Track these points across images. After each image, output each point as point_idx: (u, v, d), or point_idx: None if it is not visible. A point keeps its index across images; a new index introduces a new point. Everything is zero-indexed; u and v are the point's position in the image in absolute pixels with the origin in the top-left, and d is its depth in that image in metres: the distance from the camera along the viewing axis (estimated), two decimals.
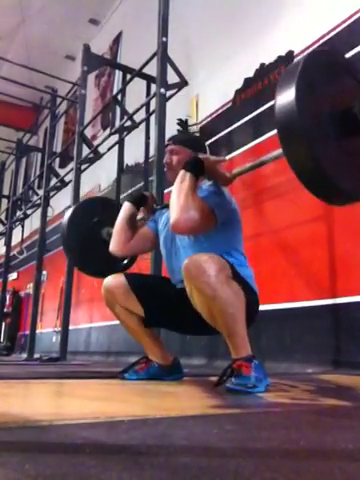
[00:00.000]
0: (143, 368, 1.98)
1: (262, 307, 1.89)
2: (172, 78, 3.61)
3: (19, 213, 7.60)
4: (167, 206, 1.93)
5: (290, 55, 3.53)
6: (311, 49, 3.38)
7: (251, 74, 3.93)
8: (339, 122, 1.31)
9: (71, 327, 4.61)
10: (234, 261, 1.75)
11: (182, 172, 1.76)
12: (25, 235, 8.04)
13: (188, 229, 1.73)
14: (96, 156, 4.77)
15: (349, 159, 1.36)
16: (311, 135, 1.24)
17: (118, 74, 6.18)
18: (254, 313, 1.80)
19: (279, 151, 1.54)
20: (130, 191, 5.49)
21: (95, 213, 2.65)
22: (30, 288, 7.82)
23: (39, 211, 6.21)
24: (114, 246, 2.12)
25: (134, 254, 2.63)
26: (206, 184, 1.89)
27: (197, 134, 4.47)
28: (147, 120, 4.40)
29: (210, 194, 1.80)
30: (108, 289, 1.97)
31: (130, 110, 4.25)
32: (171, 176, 1.96)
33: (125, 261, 2.67)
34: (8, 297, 8.59)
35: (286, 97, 1.23)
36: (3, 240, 8.21)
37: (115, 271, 2.51)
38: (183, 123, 4.51)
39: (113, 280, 1.98)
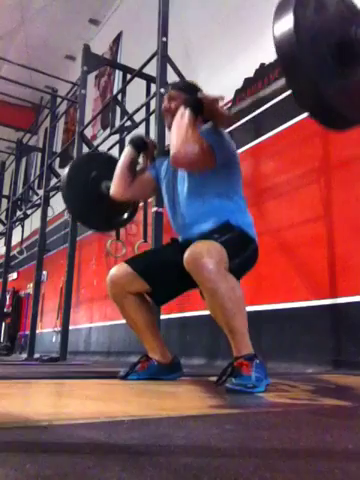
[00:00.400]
0: (143, 367, 1.98)
1: (262, 307, 1.89)
2: (172, 78, 3.61)
3: (19, 213, 7.60)
4: (167, 153, 1.95)
5: None
6: None
7: (251, 74, 3.93)
8: (338, 49, 1.32)
9: (71, 327, 4.61)
10: (233, 207, 1.81)
11: (181, 109, 1.79)
12: (25, 235, 8.04)
13: (188, 161, 1.75)
14: None
15: (349, 85, 1.37)
16: (312, 64, 1.25)
17: (118, 74, 6.18)
18: (254, 259, 1.87)
19: (280, 83, 1.57)
20: None
21: (93, 168, 2.65)
22: (30, 288, 7.82)
23: (39, 211, 6.21)
24: (114, 189, 2.14)
25: (134, 199, 2.60)
26: (205, 126, 1.90)
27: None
28: (147, 120, 4.40)
29: (209, 134, 1.82)
30: (114, 281, 1.95)
31: (130, 110, 4.25)
32: (170, 122, 1.95)
33: (125, 215, 2.67)
34: (8, 297, 8.59)
35: (284, 26, 1.26)
36: (3, 240, 8.22)
37: (116, 225, 2.58)
38: None
39: (117, 271, 1.95)
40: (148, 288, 1.94)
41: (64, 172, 2.72)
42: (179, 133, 1.74)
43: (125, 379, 1.97)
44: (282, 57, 1.29)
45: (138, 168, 2.23)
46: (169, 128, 1.96)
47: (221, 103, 1.87)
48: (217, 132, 1.87)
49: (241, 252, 1.77)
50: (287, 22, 1.25)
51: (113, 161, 2.69)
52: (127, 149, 2.19)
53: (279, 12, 1.33)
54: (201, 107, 1.80)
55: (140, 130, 4.48)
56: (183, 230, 1.97)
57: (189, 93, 2.00)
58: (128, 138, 4.65)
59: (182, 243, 1.92)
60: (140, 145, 2.20)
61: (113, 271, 1.97)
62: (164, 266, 1.95)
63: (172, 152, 1.73)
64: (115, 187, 2.13)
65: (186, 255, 1.62)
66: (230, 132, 4.15)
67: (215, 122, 1.88)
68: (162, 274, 1.95)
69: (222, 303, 1.58)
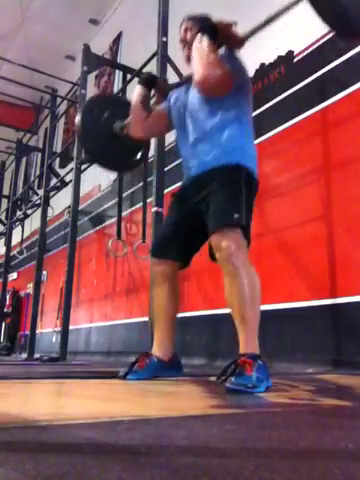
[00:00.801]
0: (142, 365, 1.96)
1: (262, 307, 1.89)
2: (172, 78, 3.60)
3: (19, 213, 7.61)
4: (178, 85, 2.02)
5: (290, 55, 3.53)
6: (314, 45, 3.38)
7: (251, 74, 3.93)
8: None
9: (71, 327, 4.61)
10: (243, 133, 1.85)
11: (199, 35, 1.84)
12: (25, 235, 8.04)
13: (214, 85, 1.79)
14: None
15: None
16: None
17: (118, 74, 6.18)
18: (255, 195, 1.92)
19: None
20: (130, 191, 5.49)
21: (105, 108, 2.63)
22: (30, 288, 7.82)
23: (39, 211, 6.21)
24: (131, 128, 2.21)
25: (152, 135, 2.67)
26: (221, 51, 1.92)
27: None
28: None
29: (225, 57, 1.86)
30: (156, 272, 2.07)
31: None
32: (187, 53, 2.00)
33: (139, 155, 2.73)
34: (8, 297, 8.59)
35: None
36: (3, 240, 8.22)
37: (131, 165, 2.71)
38: None
39: (152, 264, 2.06)
40: (177, 263, 2.04)
41: (77, 117, 2.73)
42: (201, 59, 1.77)
43: (124, 379, 1.96)
44: None
45: (152, 106, 2.26)
46: (187, 60, 2.01)
47: (234, 27, 1.91)
48: (233, 56, 1.91)
49: (249, 200, 1.83)
50: None
51: (124, 101, 2.78)
52: (137, 87, 2.21)
53: None
54: (217, 32, 1.84)
55: None
56: (192, 157, 1.95)
57: (203, 22, 2.06)
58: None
59: (188, 182, 1.97)
60: (149, 82, 2.22)
61: (153, 268, 2.08)
62: (176, 234, 2.01)
63: (197, 78, 1.75)
64: (132, 126, 2.20)
65: (213, 245, 1.76)
66: None
67: (230, 45, 1.92)
68: (178, 243, 2.01)
69: (240, 287, 1.65)
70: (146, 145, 2.85)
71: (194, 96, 1.94)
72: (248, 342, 1.62)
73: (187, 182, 2.00)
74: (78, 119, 2.67)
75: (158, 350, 1.99)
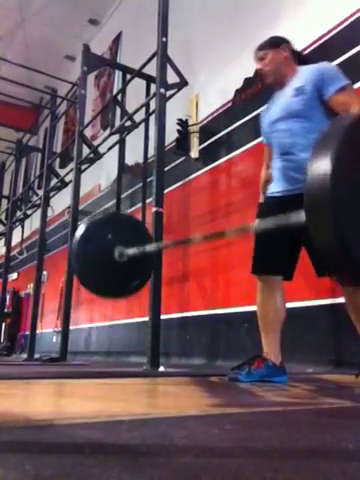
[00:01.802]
0: (258, 366, 1.93)
1: None
2: (172, 78, 3.61)
3: (19, 213, 7.60)
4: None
5: None
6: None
7: (251, 74, 3.93)
8: None
9: (71, 327, 4.61)
10: None
11: (347, 85, 1.92)
12: (25, 235, 8.04)
13: None
14: (96, 156, 4.77)
15: None
16: (342, 214, 1.10)
17: (118, 74, 6.18)
18: None
19: (301, 216, 1.37)
20: (130, 191, 5.49)
21: (108, 230, 2.47)
22: (30, 288, 7.82)
23: (39, 211, 6.21)
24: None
25: None
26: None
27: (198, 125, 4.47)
28: (147, 120, 4.40)
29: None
30: (264, 283, 2.06)
31: (130, 110, 4.25)
32: (267, 80, 2.12)
33: (136, 282, 2.50)
34: (8, 297, 8.59)
35: (321, 165, 1.09)
36: (3, 240, 8.22)
37: (126, 292, 2.43)
38: (183, 123, 4.51)
39: (263, 279, 2.05)
40: (281, 277, 2.05)
41: (78, 231, 2.49)
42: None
43: (236, 377, 1.90)
44: (309, 196, 1.13)
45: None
46: (271, 86, 2.15)
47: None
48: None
49: None
50: (325, 165, 1.08)
51: (132, 224, 2.64)
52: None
53: (320, 145, 1.15)
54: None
55: (140, 130, 4.49)
56: (294, 174, 1.92)
57: (273, 45, 2.12)
58: (127, 138, 4.66)
59: (286, 197, 1.93)
60: None
61: (260, 285, 2.07)
62: (279, 249, 1.99)
63: None
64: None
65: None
66: (230, 132, 4.15)
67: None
68: (278, 258, 2.00)
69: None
70: (147, 272, 2.65)
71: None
72: None
73: (286, 192, 1.97)
74: (77, 237, 2.44)
75: (273, 356, 1.97)
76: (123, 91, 4.73)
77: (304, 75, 2.00)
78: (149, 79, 4.38)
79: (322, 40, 3.31)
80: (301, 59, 2.17)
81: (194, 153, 4.46)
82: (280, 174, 2.01)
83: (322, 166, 1.08)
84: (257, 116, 3.81)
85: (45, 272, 6.87)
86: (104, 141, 4.65)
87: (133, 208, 5.48)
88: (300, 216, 1.27)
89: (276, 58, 2.09)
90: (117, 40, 6.96)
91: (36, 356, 5.23)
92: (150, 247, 2.26)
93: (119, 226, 2.53)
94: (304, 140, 1.89)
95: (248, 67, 3.97)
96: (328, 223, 1.08)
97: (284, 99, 2.03)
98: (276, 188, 2.03)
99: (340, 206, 1.08)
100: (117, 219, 2.69)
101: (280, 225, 1.57)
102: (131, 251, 2.31)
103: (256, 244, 2.07)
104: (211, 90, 4.46)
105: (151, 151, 4.31)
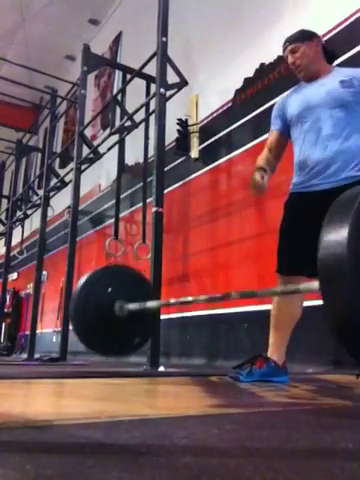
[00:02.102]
0: (260, 366, 1.93)
1: (262, 307, 1.90)
2: (172, 78, 3.61)
3: (19, 213, 7.60)
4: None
5: None
6: None
7: (251, 74, 3.93)
8: None
9: (71, 327, 4.60)
10: None
11: None
12: (25, 235, 8.04)
13: None
14: (96, 156, 4.77)
15: None
16: (358, 286, 1.06)
17: (118, 74, 6.18)
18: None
19: (315, 286, 1.31)
20: (130, 191, 5.49)
21: (109, 283, 2.37)
22: (30, 288, 7.82)
23: (39, 211, 6.21)
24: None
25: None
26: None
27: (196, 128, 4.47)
28: (147, 120, 4.40)
29: None
30: (284, 283, 1.97)
31: (130, 110, 4.25)
32: (303, 73, 2.06)
33: (138, 338, 2.41)
34: (8, 297, 8.59)
35: (337, 235, 1.06)
36: (3, 240, 8.22)
37: (126, 350, 2.35)
38: (183, 123, 4.51)
39: (286, 279, 1.97)
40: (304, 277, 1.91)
41: (79, 284, 2.42)
42: None
43: (237, 377, 1.89)
44: (324, 268, 1.10)
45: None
46: (305, 79, 2.08)
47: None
48: None
49: None
50: (341, 234, 1.05)
51: (134, 278, 2.50)
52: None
53: (335, 212, 1.12)
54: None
55: (140, 130, 4.49)
56: (324, 169, 1.90)
57: (304, 38, 2.08)
58: (127, 138, 4.65)
59: (316, 192, 1.89)
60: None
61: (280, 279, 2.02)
62: (303, 249, 1.82)
63: None
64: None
65: None
66: (230, 132, 4.15)
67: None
68: (306, 258, 1.83)
69: None
70: (147, 331, 2.54)
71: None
72: None
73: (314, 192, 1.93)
74: (76, 291, 2.40)
75: (274, 355, 1.97)
76: (123, 91, 4.73)
77: (346, 72, 2.00)
78: (149, 79, 4.38)
79: (325, 38, 3.31)
80: (330, 56, 2.16)
81: (194, 153, 4.46)
82: (307, 161, 1.95)
83: (338, 235, 1.05)
84: (257, 116, 3.83)
85: (45, 272, 6.88)
86: (104, 141, 4.65)
87: (133, 208, 5.48)
88: (313, 286, 1.25)
89: (308, 52, 2.06)
90: (117, 40, 6.96)
91: (36, 356, 5.23)
92: (151, 304, 2.16)
93: (120, 279, 2.41)
94: (344, 130, 1.88)
95: (248, 67, 3.98)
96: (342, 294, 1.06)
97: (330, 87, 1.96)
98: (302, 179, 1.97)
99: (356, 278, 1.04)
100: (118, 272, 2.55)
101: (298, 291, 1.52)
102: (132, 306, 2.22)
103: (282, 241, 2.01)
104: (211, 90, 4.46)
105: (151, 151, 4.31)
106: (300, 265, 1.88)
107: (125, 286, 2.35)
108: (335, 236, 1.06)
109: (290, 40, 2.10)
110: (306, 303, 3.03)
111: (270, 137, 2.20)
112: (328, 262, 1.08)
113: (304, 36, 2.09)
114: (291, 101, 2.10)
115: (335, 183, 1.83)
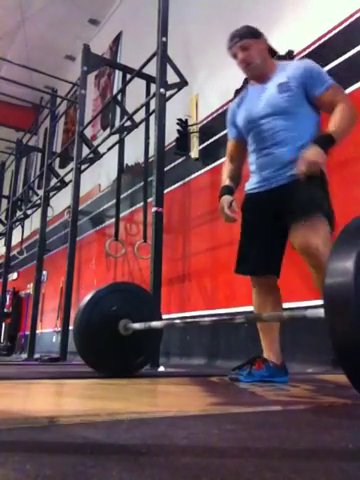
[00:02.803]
0: (259, 367, 1.92)
1: None
2: (172, 78, 3.61)
3: (19, 213, 7.60)
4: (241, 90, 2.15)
5: (290, 55, 3.53)
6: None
7: None
8: None
9: (71, 327, 4.61)
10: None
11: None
12: (25, 235, 8.04)
13: None
14: (96, 156, 4.77)
15: None
16: None
17: (118, 74, 6.18)
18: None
19: (320, 313, 1.29)
20: (130, 191, 5.49)
21: (115, 301, 2.34)
22: (30, 288, 7.82)
23: (39, 211, 6.21)
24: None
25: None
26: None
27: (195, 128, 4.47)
28: (147, 120, 4.40)
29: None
30: (258, 285, 2.03)
31: (130, 110, 4.25)
32: (254, 72, 2.01)
33: (142, 357, 2.38)
34: (8, 297, 8.59)
35: (343, 263, 1.06)
36: (3, 240, 8.22)
37: (130, 369, 2.29)
38: (183, 123, 4.51)
39: (257, 281, 2.03)
40: (270, 275, 2.00)
41: (83, 300, 2.38)
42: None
43: (237, 378, 1.89)
44: (330, 300, 1.11)
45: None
46: (254, 78, 2.06)
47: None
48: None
49: (328, 193, 1.88)
50: (347, 267, 1.05)
51: (138, 295, 2.48)
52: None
53: (340, 245, 1.13)
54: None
55: (140, 130, 4.49)
56: (274, 173, 1.92)
57: (255, 35, 2.01)
58: (127, 138, 4.65)
59: (266, 191, 1.93)
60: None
61: (254, 289, 2.05)
62: (263, 246, 1.96)
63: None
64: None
65: (299, 244, 1.79)
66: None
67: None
68: (266, 254, 1.96)
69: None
70: (152, 349, 2.55)
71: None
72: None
73: (264, 186, 1.97)
74: (81, 307, 2.34)
75: (271, 356, 1.96)
76: (123, 91, 4.73)
77: (287, 71, 1.95)
78: (149, 79, 4.39)
79: (322, 40, 3.31)
80: (273, 54, 2.09)
81: (194, 153, 4.46)
82: (258, 169, 1.98)
83: (344, 265, 1.05)
84: None
85: (45, 272, 6.88)
86: (104, 141, 4.65)
87: (133, 208, 5.49)
88: (318, 313, 1.25)
89: (260, 49, 1.99)
90: (117, 40, 6.96)
91: (36, 356, 5.23)
92: (156, 324, 2.11)
93: (125, 296, 2.39)
94: (285, 137, 1.89)
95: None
96: (347, 324, 1.05)
97: (268, 95, 1.95)
98: (254, 183, 2.01)
99: None
100: (123, 289, 2.50)
101: (305, 318, 1.54)
102: (137, 326, 2.19)
103: (243, 242, 2.04)
104: (211, 90, 4.46)
105: (151, 151, 4.31)
106: (268, 265, 1.97)
107: (129, 303, 2.33)
108: (341, 265, 1.07)
109: (240, 35, 1.99)
110: (306, 303, 3.04)
111: (229, 145, 2.19)
112: (333, 291, 1.08)
113: (254, 33, 2.01)
114: (238, 110, 2.10)
115: (285, 180, 1.87)
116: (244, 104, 2.07)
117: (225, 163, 2.23)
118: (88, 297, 2.35)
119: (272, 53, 2.08)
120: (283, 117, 1.90)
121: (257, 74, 2.02)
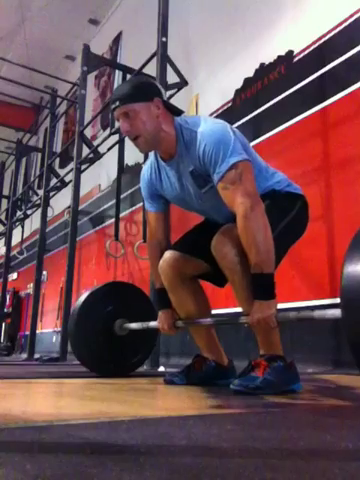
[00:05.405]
0: (198, 367, 1.82)
1: None
2: (172, 78, 3.61)
3: (19, 213, 7.60)
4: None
5: (290, 55, 3.53)
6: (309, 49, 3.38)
7: (251, 74, 3.93)
8: None
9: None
10: (274, 185, 1.69)
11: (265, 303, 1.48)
12: (25, 235, 8.04)
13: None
14: (96, 156, 4.77)
15: None
16: None
17: (118, 74, 6.17)
18: (305, 217, 1.75)
19: (337, 313, 1.27)
20: (130, 191, 5.49)
21: (110, 301, 2.30)
22: (30, 288, 7.82)
23: (39, 211, 6.21)
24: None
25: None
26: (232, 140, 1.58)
27: None
28: None
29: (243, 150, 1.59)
30: (170, 264, 1.72)
31: None
32: (145, 147, 1.60)
33: (138, 357, 2.37)
34: (8, 297, 8.59)
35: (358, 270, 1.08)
36: (3, 240, 8.22)
37: (126, 369, 2.29)
38: None
39: (170, 255, 1.74)
40: (206, 266, 1.72)
41: (78, 301, 2.35)
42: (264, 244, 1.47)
43: (171, 380, 1.81)
44: (346, 302, 1.09)
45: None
46: (143, 152, 1.68)
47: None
48: (242, 143, 1.68)
49: (284, 214, 1.65)
50: None
51: (134, 294, 2.46)
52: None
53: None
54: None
55: None
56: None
57: (144, 96, 1.55)
58: (127, 138, 4.65)
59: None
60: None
61: (166, 255, 1.73)
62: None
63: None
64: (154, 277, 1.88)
65: (215, 241, 1.54)
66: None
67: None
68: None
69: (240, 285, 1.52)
70: (149, 348, 2.50)
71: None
72: (268, 344, 1.55)
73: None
74: (76, 306, 2.31)
75: (213, 356, 1.85)
76: None
77: (193, 151, 1.55)
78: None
79: (322, 40, 3.31)
80: (177, 113, 1.63)
81: None
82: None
83: None
84: (257, 116, 3.83)
85: (45, 272, 6.87)
86: (104, 141, 4.64)
87: (133, 208, 5.48)
88: (335, 313, 1.26)
89: (151, 116, 1.54)
90: (117, 40, 6.96)
91: (36, 356, 5.23)
92: (153, 324, 2.03)
93: (121, 296, 2.36)
94: (223, 212, 1.63)
95: (248, 67, 3.98)
96: None
97: (189, 186, 1.63)
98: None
99: None
100: (119, 289, 2.47)
101: (312, 318, 1.45)
102: (133, 325, 2.17)
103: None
104: (211, 90, 4.46)
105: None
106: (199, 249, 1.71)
107: (125, 303, 2.32)
108: (358, 268, 1.08)
109: (120, 98, 1.54)
110: (306, 303, 3.04)
111: (150, 221, 1.84)
112: (351, 291, 1.08)
113: (140, 94, 1.54)
114: (159, 184, 1.73)
115: None
116: (165, 179, 1.70)
117: (150, 245, 1.86)
118: (82, 298, 2.33)
119: (175, 112, 1.62)
120: (221, 202, 1.55)
121: (150, 149, 1.65)
